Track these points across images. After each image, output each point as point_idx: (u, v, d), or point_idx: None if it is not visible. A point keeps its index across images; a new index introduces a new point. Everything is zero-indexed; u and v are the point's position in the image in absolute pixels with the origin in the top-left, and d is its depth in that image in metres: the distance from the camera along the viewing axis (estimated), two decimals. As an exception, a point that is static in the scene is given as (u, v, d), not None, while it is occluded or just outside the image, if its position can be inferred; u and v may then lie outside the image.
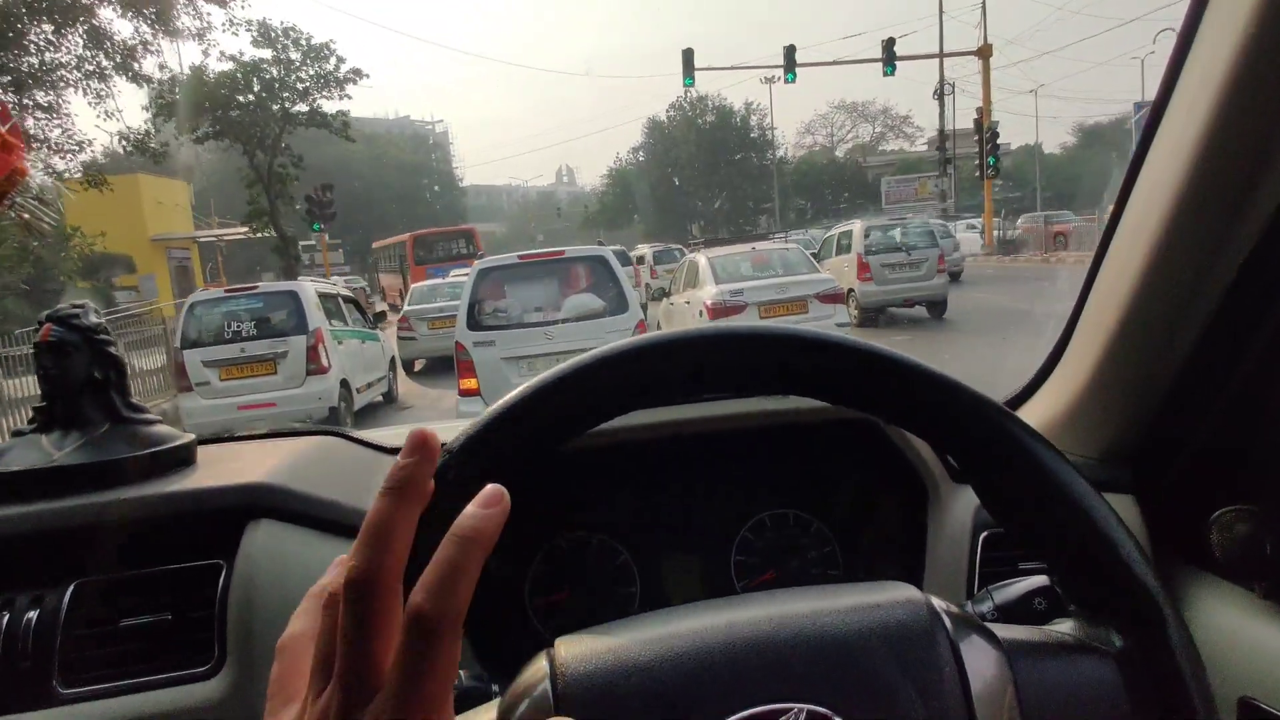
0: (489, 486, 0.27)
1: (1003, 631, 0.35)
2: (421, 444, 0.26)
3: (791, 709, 0.30)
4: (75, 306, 0.72)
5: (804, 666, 0.31)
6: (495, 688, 0.47)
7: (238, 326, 5.51)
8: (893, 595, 0.34)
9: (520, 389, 0.35)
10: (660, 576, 0.83)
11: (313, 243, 13.07)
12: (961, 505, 0.74)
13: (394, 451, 0.90)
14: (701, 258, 7.15)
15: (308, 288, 5.97)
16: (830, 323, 6.09)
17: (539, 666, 0.32)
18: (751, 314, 6.09)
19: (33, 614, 0.59)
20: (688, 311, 6.82)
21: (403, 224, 36.37)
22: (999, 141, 18.39)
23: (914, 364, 0.35)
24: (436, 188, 41.93)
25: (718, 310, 6.15)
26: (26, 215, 0.63)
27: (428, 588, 0.24)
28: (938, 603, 0.34)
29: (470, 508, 0.26)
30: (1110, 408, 0.68)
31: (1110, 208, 0.64)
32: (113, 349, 0.73)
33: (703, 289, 6.61)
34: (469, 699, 0.44)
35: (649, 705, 0.30)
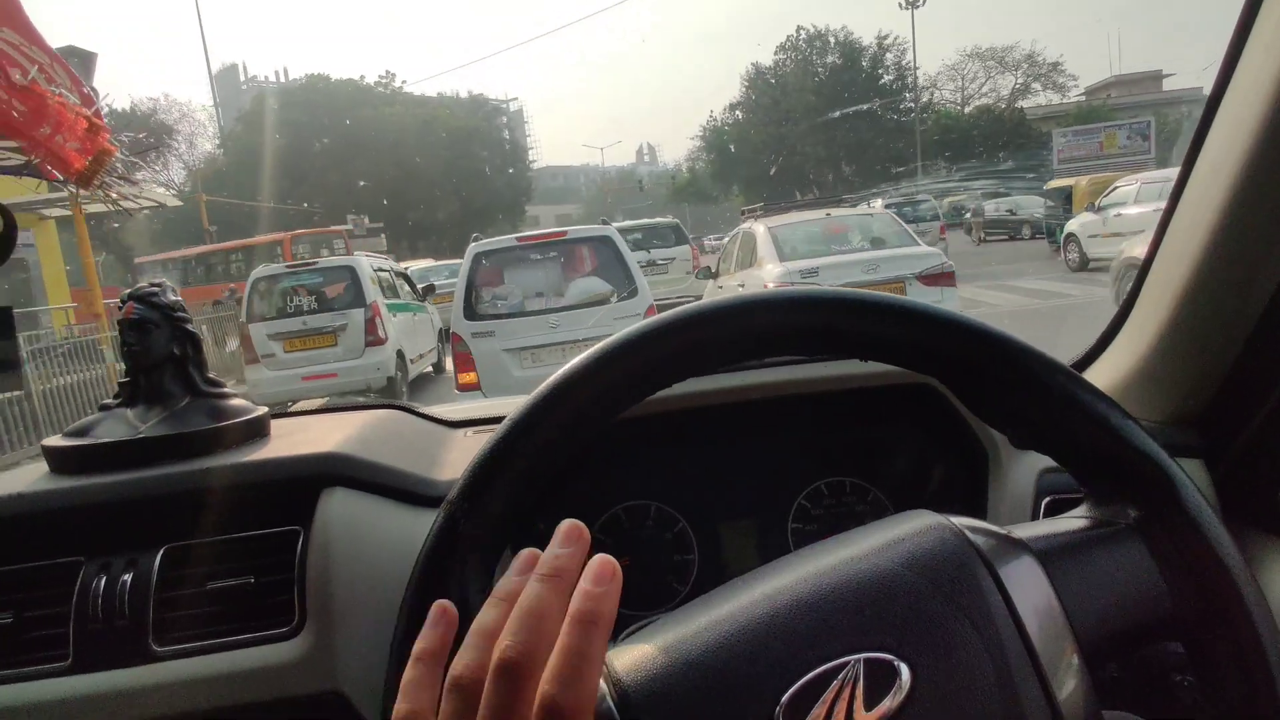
0: (600, 561, 0.34)
1: (1024, 532, 0.41)
2: (576, 536, 0.35)
3: (849, 662, 0.36)
4: (154, 285, 0.90)
5: (849, 618, 0.37)
6: None
7: (299, 301, 6.74)
8: (914, 525, 0.41)
9: (574, 362, 0.43)
10: (718, 544, 0.96)
11: (348, 226, 14.09)
12: (1023, 470, 0.82)
13: (456, 425, 1.07)
14: (759, 227, 6.70)
15: (363, 262, 7.03)
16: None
17: None
18: None
19: (127, 577, 0.75)
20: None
21: (456, 203, 38.05)
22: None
23: (972, 323, 0.42)
24: (497, 159, 43.38)
25: None
26: (115, 194, 0.80)
27: (559, 678, 0.29)
28: (958, 521, 0.41)
29: (585, 586, 0.33)
30: (1180, 368, 0.75)
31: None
32: (190, 326, 0.91)
33: (762, 268, 6.26)
34: None
35: (710, 699, 0.36)
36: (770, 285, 5.57)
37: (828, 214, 7.11)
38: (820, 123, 35.14)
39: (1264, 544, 0.71)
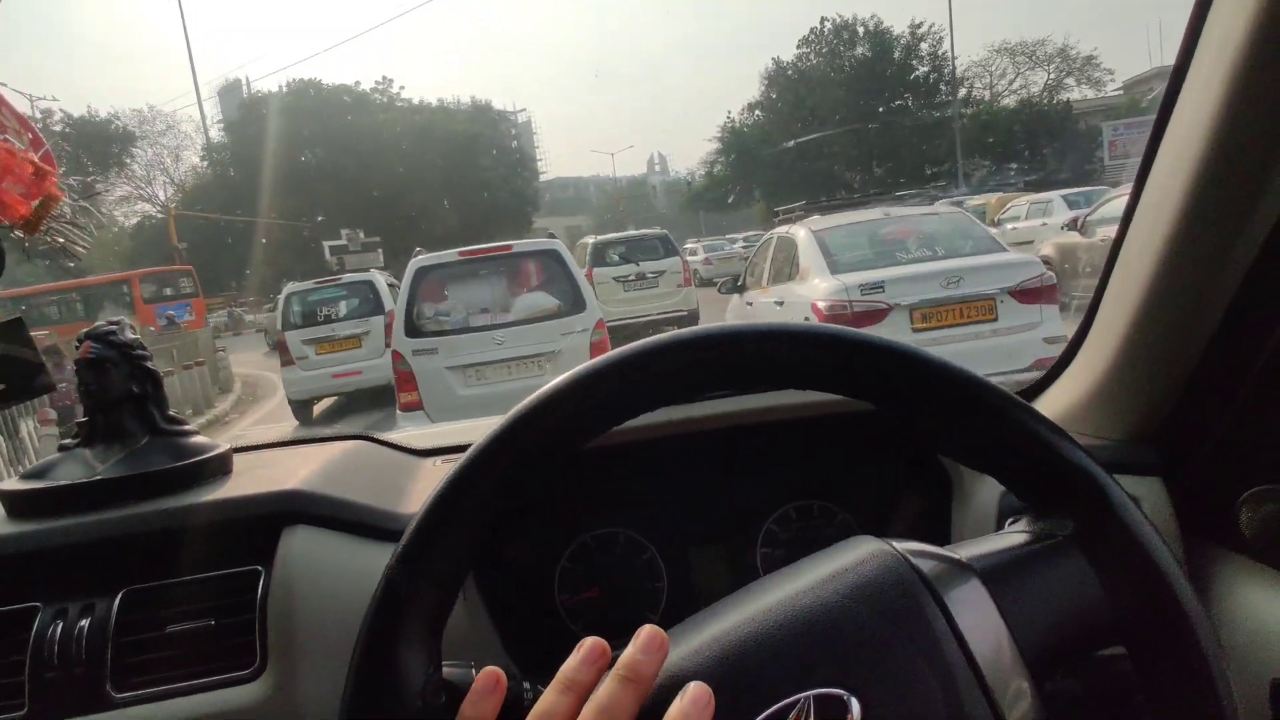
0: (650, 630, 0.39)
1: (967, 552, 0.45)
2: (659, 645, 0.40)
3: (799, 700, 0.38)
4: (112, 323, 0.96)
5: (796, 655, 0.40)
6: (526, 685, 0.63)
7: (328, 311, 8.80)
8: (858, 553, 0.44)
9: (542, 390, 0.47)
10: (687, 570, 1.02)
11: (343, 242, 14.30)
12: (985, 492, 0.87)
13: (423, 454, 1.12)
14: (800, 232, 5.97)
15: (378, 277, 9.12)
16: (1037, 335, 4.93)
17: None
18: (900, 322, 4.94)
19: (85, 622, 0.79)
20: (782, 316, 5.65)
21: (458, 214, 38.38)
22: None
23: (896, 346, 0.46)
24: (502, 169, 43.73)
25: (837, 316, 5.00)
26: (62, 240, 0.86)
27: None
28: (900, 546, 0.44)
29: (632, 650, 0.39)
30: (1135, 388, 0.81)
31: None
32: (149, 363, 0.96)
33: (808, 281, 5.55)
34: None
35: None
36: (822, 304, 5.13)
37: (885, 213, 6.21)
38: (850, 120, 35.21)
39: (1223, 560, 0.76)
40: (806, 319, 5.17)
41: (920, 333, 4.92)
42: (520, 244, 5.73)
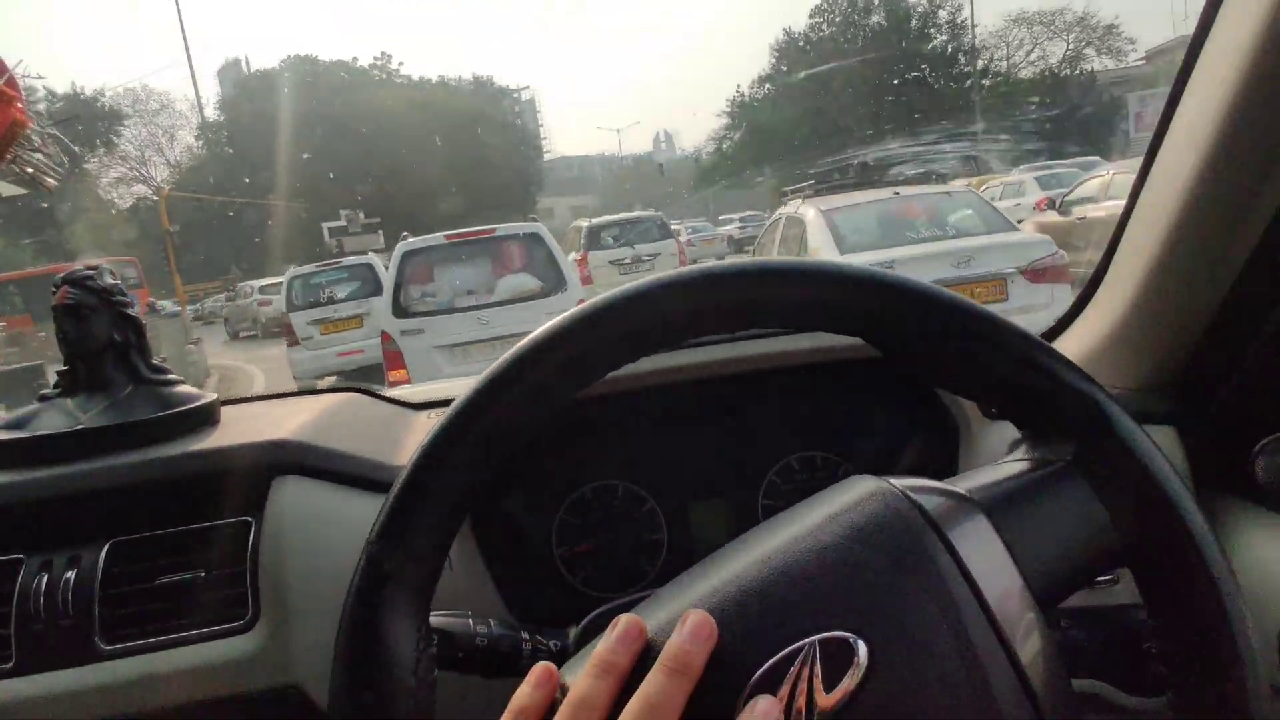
0: (698, 615, 0.38)
1: (966, 484, 0.44)
2: (707, 634, 0.38)
3: (803, 646, 0.38)
4: (89, 268, 0.94)
5: (798, 600, 0.39)
6: (524, 634, 0.62)
7: (330, 292, 9.19)
8: (856, 493, 0.43)
9: (530, 337, 0.46)
10: (687, 523, 1.03)
11: (342, 223, 14.29)
12: (994, 440, 0.88)
13: (418, 407, 1.11)
14: (809, 211, 6.09)
15: (377, 260, 9.38)
16: (1049, 314, 5.34)
17: None
18: None
19: (70, 574, 0.79)
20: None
21: (460, 194, 38.39)
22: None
23: (885, 277, 0.45)
24: (505, 147, 43.68)
25: None
26: (30, 169, 0.84)
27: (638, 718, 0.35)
28: (899, 483, 0.43)
29: (679, 638, 0.38)
30: (1151, 336, 0.82)
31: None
32: (131, 310, 0.94)
33: (817, 260, 5.87)
34: (500, 643, 0.60)
35: None
36: None
37: (895, 192, 6.39)
38: (863, 91, 34.90)
39: (1236, 510, 0.77)
40: None
41: None
42: (504, 227, 6.02)
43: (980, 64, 36.13)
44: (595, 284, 10.63)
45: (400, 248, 5.80)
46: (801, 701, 0.37)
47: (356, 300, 9.06)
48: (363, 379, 8.86)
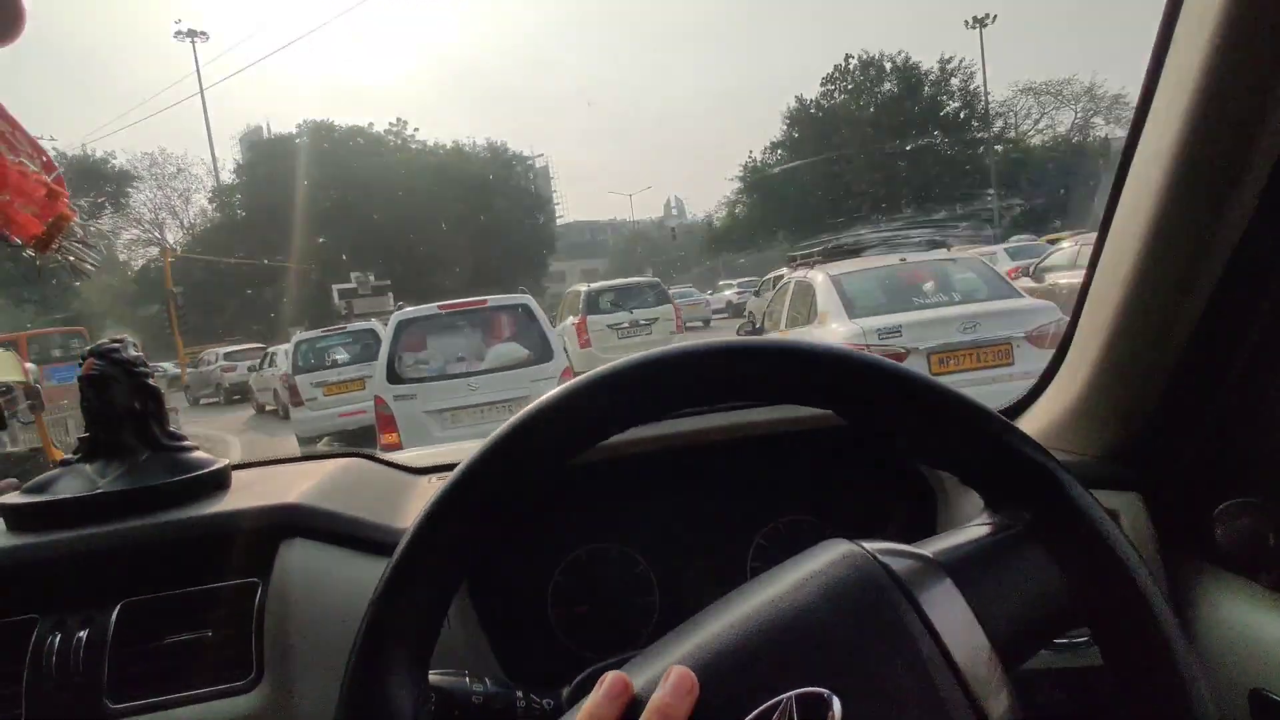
0: (681, 671, 0.41)
1: (932, 548, 0.48)
2: (689, 688, 0.41)
3: (781, 701, 0.41)
4: (115, 341, 1.02)
5: (775, 659, 0.42)
6: (519, 694, 0.67)
7: (334, 356, 10.19)
8: (829, 556, 0.47)
9: (528, 408, 0.50)
10: (679, 585, 1.09)
11: (352, 285, 14.61)
12: (969, 505, 0.93)
13: (419, 472, 1.18)
14: (819, 276, 6.47)
15: (380, 326, 9.94)
16: None
17: None
18: (918, 365, 5.16)
19: (83, 634, 0.84)
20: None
21: (472, 257, 38.92)
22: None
23: (846, 353, 0.50)
24: (518, 211, 44.40)
25: None
26: (72, 257, 0.93)
27: None
28: (869, 546, 0.47)
29: (662, 692, 0.40)
30: (1111, 406, 0.88)
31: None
32: (150, 380, 1.02)
33: (826, 325, 6.01)
34: (495, 701, 0.65)
35: None
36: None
37: (902, 259, 6.83)
38: (878, 158, 35.49)
39: (1202, 573, 0.82)
40: None
41: (939, 376, 5.17)
42: (494, 298, 6.63)
43: (995, 129, 36.78)
44: (594, 347, 11.07)
45: (396, 316, 6.30)
46: None
47: (359, 364, 9.71)
48: (363, 437, 9.07)
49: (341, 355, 10.21)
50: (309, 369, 10.06)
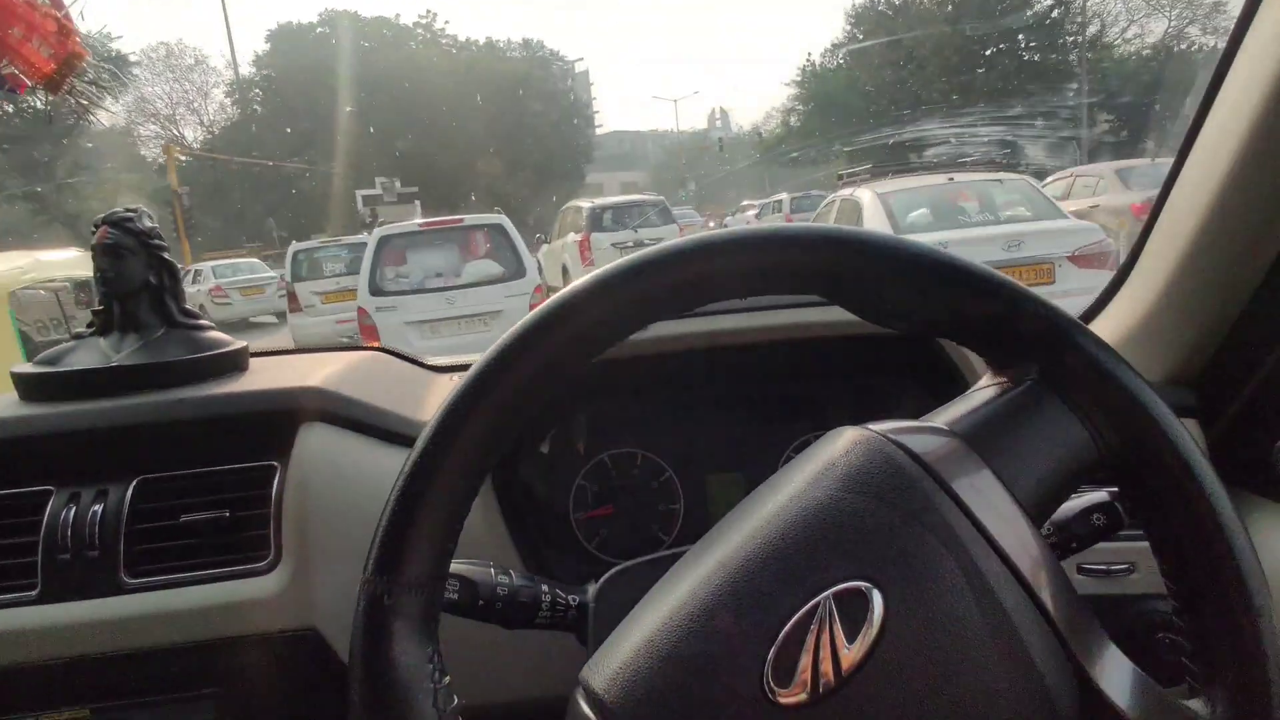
0: None
1: (944, 418, 0.48)
2: None
3: (818, 603, 0.41)
4: (129, 210, 1.02)
5: (804, 559, 0.43)
6: (544, 587, 0.68)
7: (333, 266, 11.37)
8: (840, 445, 0.47)
9: (554, 299, 0.49)
10: (704, 495, 1.10)
11: (377, 191, 14.81)
12: None
13: (438, 370, 1.21)
14: (866, 194, 6.76)
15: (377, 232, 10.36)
16: (1093, 299, 5.98)
17: (578, 710, 0.45)
18: None
19: (98, 507, 0.87)
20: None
21: (504, 164, 38.64)
22: None
23: (973, 268, 0.48)
24: (554, 114, 43.72)
25: None
26: (85, 101, 0.92)
27: None
28: (878, 427, 0.47)
29: None
30: (1178, 329, 0.88)
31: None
32: (166, 254, 1.02)
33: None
34: (521, 594, 0.66)
35: (696, 689, 0.41)
36: None
37: (950, 178, 7.10)
38: (953, 64, 34.06)
39: (1256, 506, 0.83)
40: None
41: None
42: (470, 217, 7.47)
43: (1090, 32, 34.85)
44: (595, 265, 11.06)
45: (377, 233, 7.01)
46: (827, 662, 0.40)
47: (356, 274, 10.40)
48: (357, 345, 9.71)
49: (338, 265, 11.34)
50: (308, 278, 11.20)
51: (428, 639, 0.48)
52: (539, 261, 13.70)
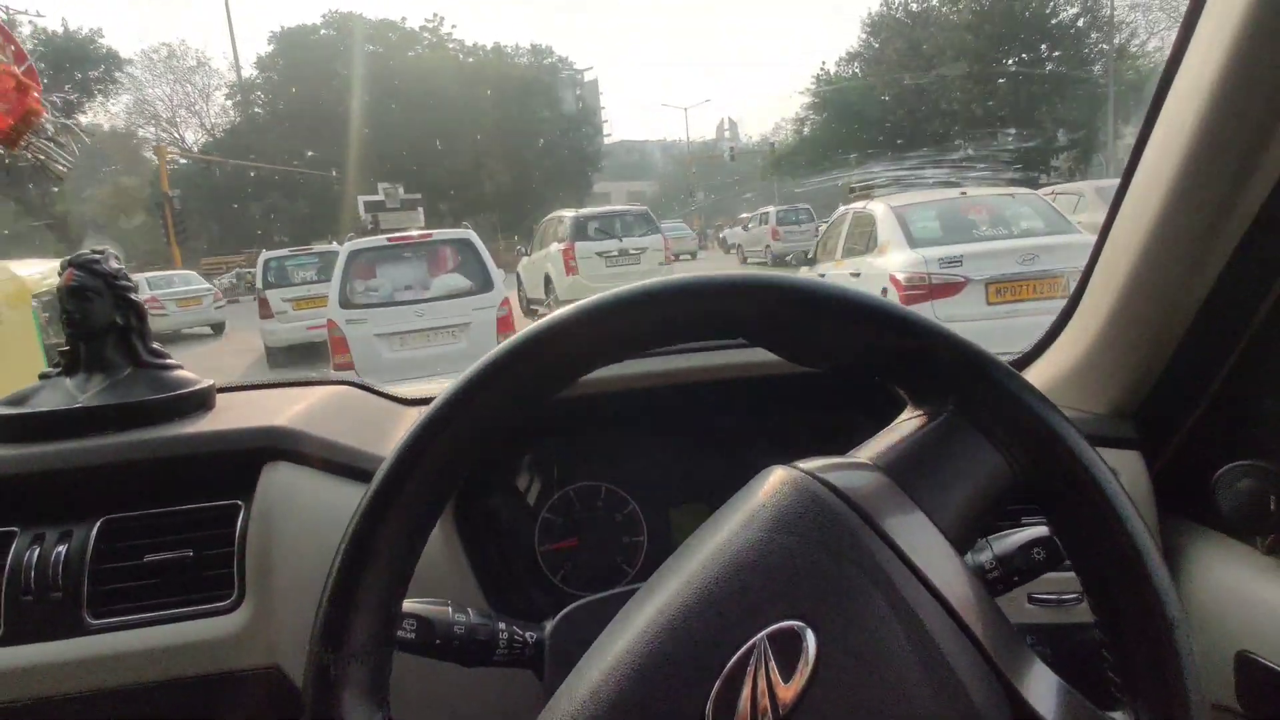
0: None
1: (867, 453, 0.52)
2: None
3: (754, 644, 0.44)
4: (96, 252, 1.07)
5: (738, 602, 0.45)
6: (501, 625, 0.72)
7: (303, 274, 12.26)
8: (768, 485, 0.50)
9: (506, 342, 0.52)
10: (668, 527, 1.15)
11: (379, 198, 14.88)
12: None
13: (410, 403, 1.24)
14: (880, 207, 7.02)
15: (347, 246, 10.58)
16: None
17: None
18: (975, 294, 5.91)
19: (62, 548, 0.91)
20: (858, 287, 6.85)
21: (509, 171, 38.73)
22: None
23: (888, 306, 0.51)
24: (561, 122, 43.74)
25: (915, 287, 6.01)
26: (42, 156, 0.96)
27: None
28: (805, 465, 0.50)
29: None
30: (1119, 362, 0.93)
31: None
32: (133, 294, 1.07)
33: (886, 255, 6.56)
34: (478, 633, 0.70)
35: None
36: (900, 275, 6.15)
37: (963, 193, 7.42)
38: (970, 71, 33.89)
39: (1197, 534, 0.89)
40: (884, 291, 6.29)
41: (994, 305, 5.95)
42: (439, 232, 7.93)
43: (1117, 41, 34.64)
44: (581, 274, 11.77)
45: (347, 246, 7.44)
46: (765, 700, 0.43)
47: (325, 282, 10.73)
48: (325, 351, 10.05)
49: (308, 273, 12.31)
50: (278, 285, 12.12)
51: (377, 706, 0.50)
52: (518, 275, 14.02)
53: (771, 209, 24.18)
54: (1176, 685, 0.46)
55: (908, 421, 0.54)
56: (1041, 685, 0.46)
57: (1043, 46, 34.79)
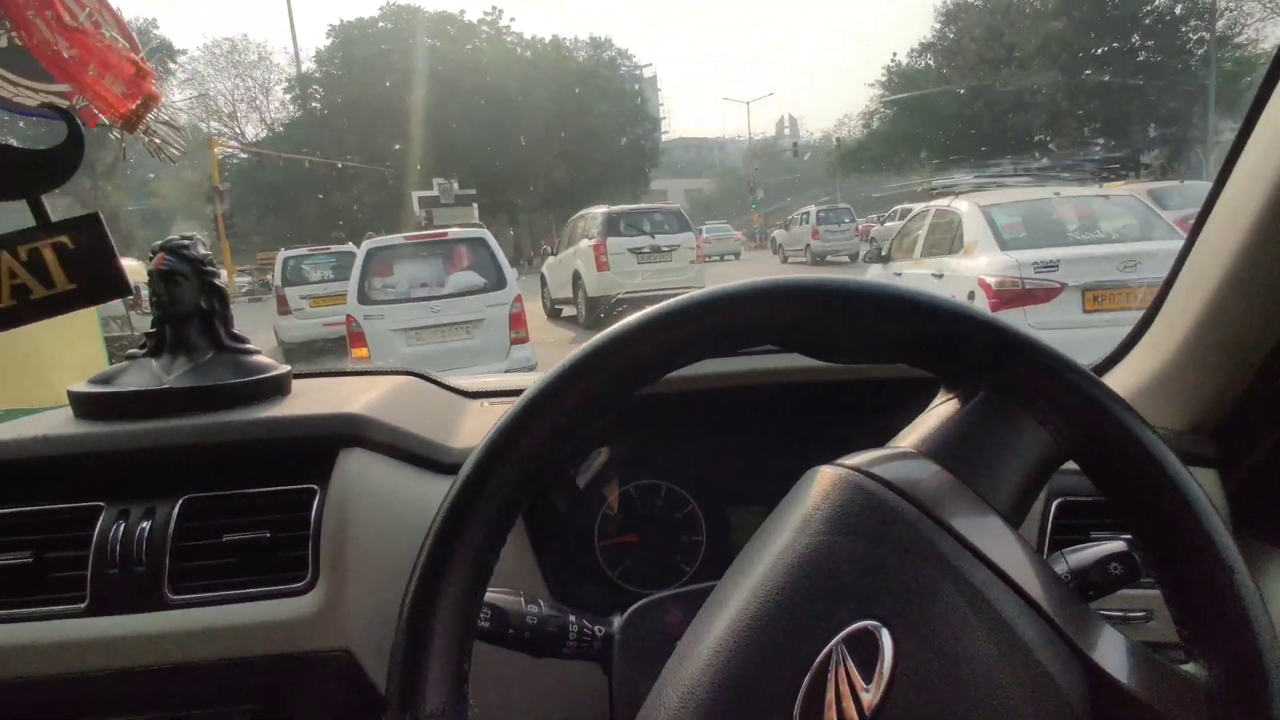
0: None
1: (909, 441, 0.53)
2: None
3: (830, 651, 0.45)
4: (185, 238, 1.13)
5: (807, 609, 0.46)
6: (571, 618, 0.75)
7: (321, 272, 12.98)
8: (819, 487, 0.51)
9: (607, 331, 0.55)
10: (726, 528, 1.18)
11: (434, 193, 15.19)
12: None
13: (471, 395, 1.31)
14: (963, 205, 6.82)
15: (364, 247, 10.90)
16: None
17: None
18: (1071, 302, 5.64)
19: (146, 524, 0.96)
20: (941, 289, 6.53)
21: (566, 166, 39.02)
22: None
23: (990, 320, 0.52)
24: (619, 116, 43.97)
25: (1007, 292, 5.78)
26: (158, 140, 1.02)
27: None
28: (851, 462, 0.52)
29: None
30: (1199, 379, 0.92)
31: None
32: (218, 280, 1.13)
33: (974, 257, 6.36)
34: (549, 624, 0.73)
35: None
36: (991, 279, 5.92)
37: (1056, 193, 7.16)
38: (1061, 62, 33.03)
39: (1272, 556, 0.87)
40: (971, 294, 6.06)
41: (1091, 313, 5.67)
42: (454, 231, 8.36)
43: (1219, 29, 33.37)
44: (612, 270, 12.03)
45: (366, 245, 7.89)
46: (850, 708, 0.43)
47: (341, 280, 11.36)
48: (343, 345, 10.46)
49: (325, 272, 12.96)
50: (296, 283, 12.84)
51: (459, 692, 0.52)
52: (542, 275, 14.53)
53: (812, 208, 24.62)
54: (1242, 625, 0.46)
55: (943, 405, 0.55)
56: (1111, 648, 0.47)
57: (1134, 36, 33.78)
